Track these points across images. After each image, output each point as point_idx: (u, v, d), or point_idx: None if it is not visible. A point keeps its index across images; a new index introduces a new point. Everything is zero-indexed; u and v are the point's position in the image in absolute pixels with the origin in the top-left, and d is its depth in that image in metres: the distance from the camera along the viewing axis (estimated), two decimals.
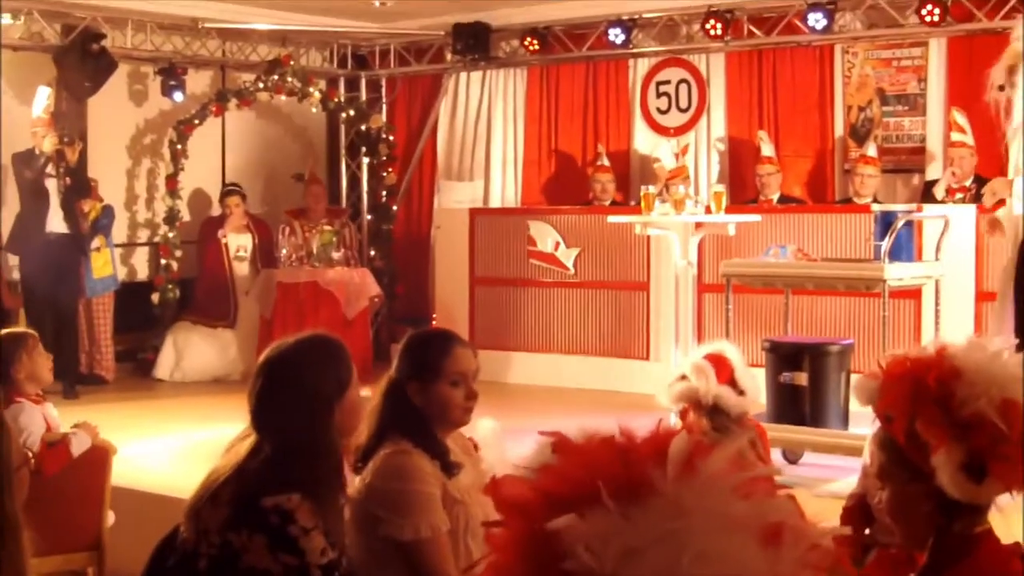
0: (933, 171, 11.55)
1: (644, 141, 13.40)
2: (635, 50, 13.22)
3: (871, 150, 11.60)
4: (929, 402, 2.88)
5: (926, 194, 11.07)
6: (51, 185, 11.40)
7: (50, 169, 11.34)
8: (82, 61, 12.15)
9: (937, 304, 8.48)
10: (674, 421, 5.41)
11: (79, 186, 11.66)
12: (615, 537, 1.60)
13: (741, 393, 5.52)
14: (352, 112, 14.49)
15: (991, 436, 2.83)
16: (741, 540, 1.59)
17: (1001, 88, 8.03)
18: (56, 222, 11.42)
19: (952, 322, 9.27)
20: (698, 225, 9.60)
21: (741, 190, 12.55)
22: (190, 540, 3.63)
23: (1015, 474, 2.89)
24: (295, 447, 3.61)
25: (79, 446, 5.92)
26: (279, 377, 3.72)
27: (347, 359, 3.82)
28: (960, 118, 10.81)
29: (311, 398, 3.66)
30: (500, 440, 4.52)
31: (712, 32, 12.36)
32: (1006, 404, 2.84)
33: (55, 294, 11.32)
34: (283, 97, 14.04)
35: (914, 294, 9.70)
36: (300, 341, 3.82)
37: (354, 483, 4.22)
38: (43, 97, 11.54)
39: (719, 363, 5.56)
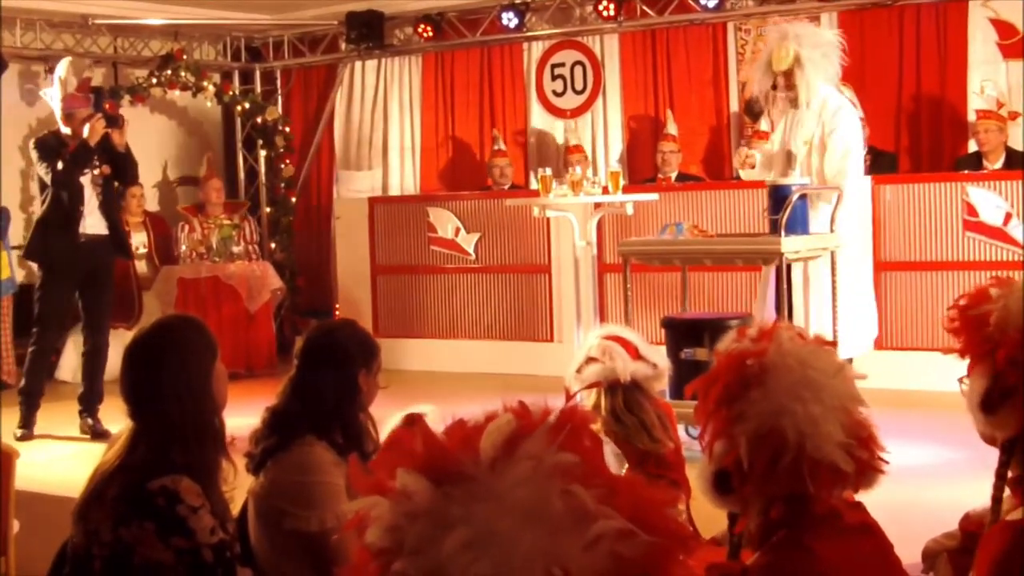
0: None
1: (541, 124, 13.44)
2: (529, 33, 13.24)
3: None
4: (725, 403, 2.82)
5: None
6: (85, 180, 9.32)
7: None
8: None
9: (833, 275, 8.58)
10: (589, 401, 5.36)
11: (127, 172, 9.59)
12: (424, 517, 1.63)
13: (653, 367, 5.52)
14: (247, 105, 14.43)
15: (739, 463, 2.79)
16: (542, 527, 1.60)
17: (774, 87, 8.78)
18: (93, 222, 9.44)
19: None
20: (597, 206, 9.64)
21: (640, 170, 12.63)
22: (80, 544, 3.60)
23: (751, 505, 2.85)
24: (173, 429, 3.61)
25: None
26: (144, 364, 3.72)
27: (207, 334, 3.84)
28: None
29: (180, 379, 3.66)
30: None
31: (605, 13, 12.43)
32: (765, 437, 2.75)
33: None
34: (177, 92, 13.94)
35: None
36: (157, 325, 3.86)
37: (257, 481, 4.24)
38: (63, 70, 9.39)
39: (622, 344, 5.58)
